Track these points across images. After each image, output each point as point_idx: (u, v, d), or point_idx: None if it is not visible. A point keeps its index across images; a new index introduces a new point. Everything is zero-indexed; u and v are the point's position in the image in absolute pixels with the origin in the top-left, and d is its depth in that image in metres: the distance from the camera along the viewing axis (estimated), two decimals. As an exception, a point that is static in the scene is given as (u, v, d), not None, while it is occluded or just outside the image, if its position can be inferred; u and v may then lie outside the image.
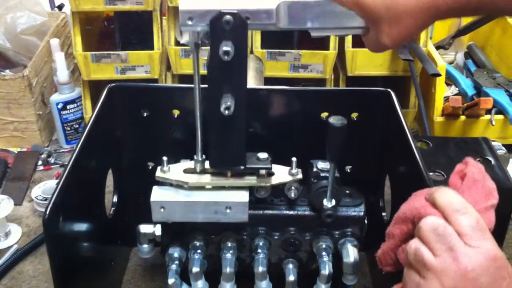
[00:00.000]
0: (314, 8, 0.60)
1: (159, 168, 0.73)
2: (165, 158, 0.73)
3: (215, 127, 0.69)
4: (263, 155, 0.72)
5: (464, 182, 0.58)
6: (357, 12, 0.58)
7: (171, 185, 0.73)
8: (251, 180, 0.72)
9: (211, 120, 0.68)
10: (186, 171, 0.73)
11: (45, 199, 1.04)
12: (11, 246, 0.97)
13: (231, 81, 0.65)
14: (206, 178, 0.72)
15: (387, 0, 0.56)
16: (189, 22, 0.61)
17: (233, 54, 0.61)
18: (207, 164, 0.72)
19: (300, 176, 0.73)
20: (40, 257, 0.95)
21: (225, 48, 0.60)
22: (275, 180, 0.73)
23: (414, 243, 0.53)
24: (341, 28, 0.61)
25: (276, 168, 0.74)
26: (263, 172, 0.72)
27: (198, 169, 0.72)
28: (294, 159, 0.73)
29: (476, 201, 0.56)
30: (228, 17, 0.60)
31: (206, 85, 0.66)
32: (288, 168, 0.73)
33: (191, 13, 0.61)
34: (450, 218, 0.51)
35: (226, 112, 0.65)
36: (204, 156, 0.72)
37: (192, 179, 0.72)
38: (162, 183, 0.73)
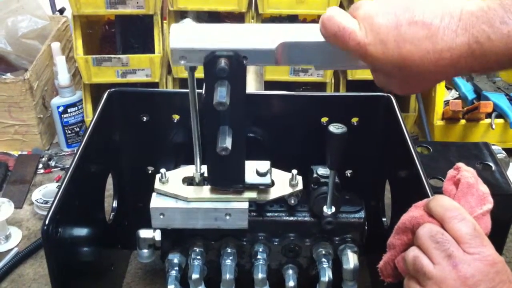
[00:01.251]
0: (318, 49, 0.55)
1: (157, 178, 0.73)
2: (163, 170, 0.72)
3: (212, 158, 0.66)
4: (263, 168, 0.71)
5: (459, 188, 0.59)
6: (365, 63, 0.53)
7: (170, 192, 0.73)
8: (251, 195, 0.71)
9: (209, 150, 0.65)
10: (185, 180, 0.73)
11: (46, 202, 1.04)
12: (12, 249, 0.97)
13: (229, 118, 0.62)
14: (205, 192, 0.72)
15: (398, 59, 0.49)
16: (182, 62, 0.57)
17: (230, 96, 0.57)
18: (205, 173, 0.72)
19: (300, 187, 0.73)
20: (40, 260, 0.95)
21: (219, 100, 0.56)
22: (275, 193, 0.72)
23: (413, 252, 0.53)
24: (347, 65, 0.58)
25: (276, 175, 0.74)
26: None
27: (197, 181, 0.72)
28: (294, 171, 0.73)
29: (472, 207, 0.56)
30: (224, 60, 0.56)
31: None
32: (288, 175, 0.73)
33: (183, 52, 0.56)
34: (447, 225, 0.52)
35: (223, 153, 0.62)
36: (203, 169, 0.72)
37: (191, 193, 0.71)
38: (161, 190, 0.73)
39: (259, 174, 0.71)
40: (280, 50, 0.56)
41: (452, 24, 0.48)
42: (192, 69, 0.61)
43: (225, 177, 0.69)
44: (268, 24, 0.57)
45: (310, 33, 0.55)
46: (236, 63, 0.57)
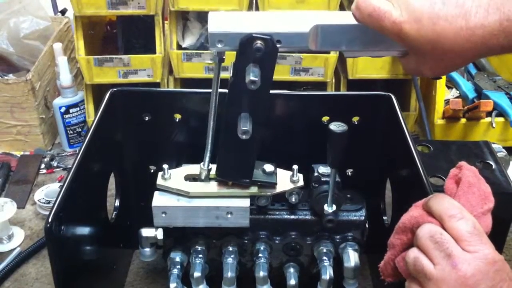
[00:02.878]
0: (351, 32, 0.56)
1: (160, 175, 0.73)
2: (165, 166, 0.73)
3: (228, 146, 0.67)
4: (269, 167, 0.72)
5: (459, 187, 0.59)
6: (399, 43, 0.54)
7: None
8: (252, 190, 0.72)
9: (225, 139, 0.67)
10: (187, 177, 0.73)
11: (48, 202, 1.05)
12: (14, 249, 0.98)
13: (252, 104, 0.64)
14: (207, 187, 0.72)
15: (432, 36, 0.51)
16: (219, 45, 0.59)
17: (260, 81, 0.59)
18: (212, 171, 0.72)
19: (301, 183, 0.74)
20: (43, 260, 0.96)
21: (252, 78, 0.58)
22: (276, 189, 0.73)
23: (413, 253, 0.53)
24: (378, 51, 0.58)
25: (277, 173, 0.74)
26: (265, 181, 0.72)
27: (203, 177, 0.72)
28: (295, 167, 0.73)
29: (473, 205, 0.56)
30: (259, 42, 0.58)
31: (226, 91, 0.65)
32: (289, 173, 0.74)
33: (221, 36, 0.58)
34: (447, 224, 0.52)
35: (244, 136, 0.63)
36: (210, 166, 0.72)
37: (193, 188, 0.72)
38: (163, 188, 0.74)
39: (266, 173, 0.72)
40: (314, 33, 0.57)
41: (484, 2, 0.50)
42: (220, 61, 0.63)
43: (234, 169, 0.70)
44: (301, 11, 0.60)
45: (343, 17, 0.57)
46: (270, 46, 0.58)
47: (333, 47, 0.59)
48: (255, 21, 0.59)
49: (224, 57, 0.62)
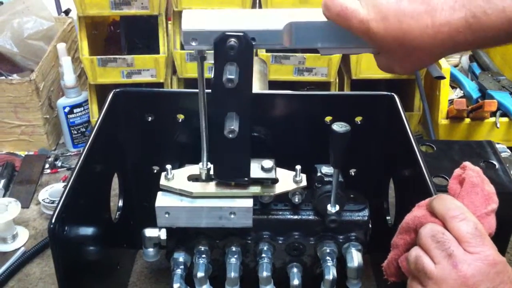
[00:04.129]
0: (324, 29, 0.57)
1: (163, 175, 0.73)
2: (169, 167, 0.73)
3: (219, 146, 0.68)
4: (267, 163, 0.72)
5: (463, 187, 0.59)
6: (367, 41, 0.54)
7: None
8: (255, 190, 0.72)
9: (214, 140, 0.67)
10: (190, 177, 0.73)
11: (52, 202, 1.05)
12: (19, 249, 0.98)
13: (236, 102, 0.64)
14: (210, 187, 0.72)
15: (398, 33, 0.51)
16: (193, 43, 0.59)
17: (238, 77, 0.59)
18: (211, 170, 0.73)
19: (304, 183, 0.74)
20: (47, 260, 0.96)
21: (229, 76, 0.58)
22: (279, 188, 0.73)
23: (415, 251, 0.53)
24: (351, 48, 0.58)
25: (280, 173, 0.74)
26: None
27: (203, 177, 0.72)
28: (298, 167, 0.73)
29: (476, 206, 0.56)
30: (233, 40, 0.58)
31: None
32: (292, 173, 0.74)
33: (194, 34, 0.58)
34: (449, 224, 0.52)
35: (230, 135, 0.63)
36: (209, 165, 0.72)
37: (196, 188, 0.72)
38: (166, 189, 0.74)
39: (264, 169, 0.72)
40: (287, 30, 0.57)
41: (450, 0, 0.50)
42: (202, 59, 0.63)
43: (230, 169, 0.70)
44: (276, 9, 0.59)
45: (317, 15, 0.57)
46: (244, 43, 0.58)
47: (307, 44, 0.59)
48: (230, 19, 0.59)
49: (205, 55, 0.62)
